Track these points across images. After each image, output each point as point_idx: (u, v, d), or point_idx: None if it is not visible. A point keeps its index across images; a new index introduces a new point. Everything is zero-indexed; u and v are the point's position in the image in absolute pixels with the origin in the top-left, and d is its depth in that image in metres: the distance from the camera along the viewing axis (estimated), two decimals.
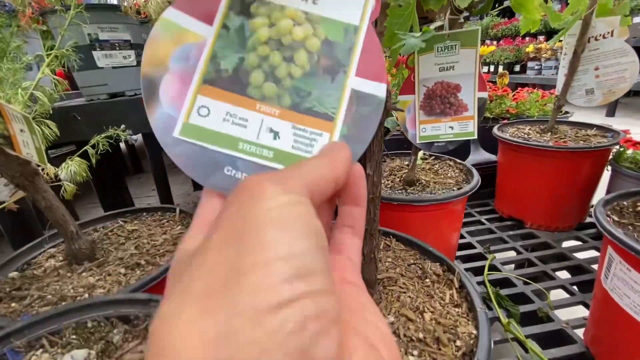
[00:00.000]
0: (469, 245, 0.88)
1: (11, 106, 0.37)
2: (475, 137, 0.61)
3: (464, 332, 0.31)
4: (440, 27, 0.57)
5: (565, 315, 0.64)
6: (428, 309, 0.35)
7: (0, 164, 0.42)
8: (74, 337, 0.35)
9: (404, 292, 0.37)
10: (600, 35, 0.82)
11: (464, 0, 0.34)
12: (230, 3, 0.20)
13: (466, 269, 0.79)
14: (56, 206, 0.46)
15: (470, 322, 0.33)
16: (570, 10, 0.91)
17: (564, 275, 0.79)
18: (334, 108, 0.20)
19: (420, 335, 0.31)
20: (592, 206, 0.95)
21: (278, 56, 0.20)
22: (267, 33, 0.20)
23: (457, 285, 0.37)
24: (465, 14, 0.55)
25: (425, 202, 0.60)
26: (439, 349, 0.30)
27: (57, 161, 0.77)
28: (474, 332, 0.31)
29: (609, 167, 0.82)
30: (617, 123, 2.57)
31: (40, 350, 0.35)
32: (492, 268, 0.79)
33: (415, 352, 0.30)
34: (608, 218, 0.49)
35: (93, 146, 0.77)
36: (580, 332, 0.60)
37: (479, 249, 0.86)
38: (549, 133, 0.93)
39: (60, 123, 0.85)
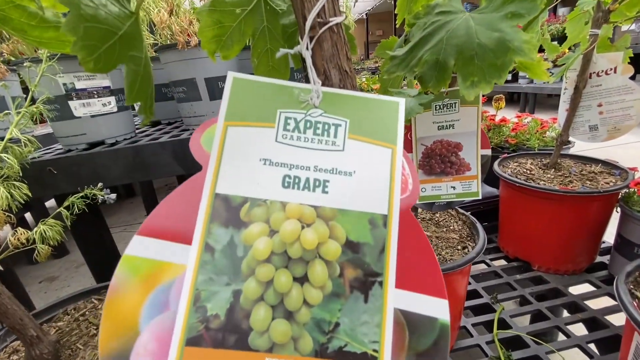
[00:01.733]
0: (476, 293, 0.83)
1: None
2: (480, 197, 0.56)
3: None
4: None
5: None
6: None
7: None
8: None
9: None
10: (603, 71, 0.79)
11: (467, 89, 0.30)
12: (211, 211, 0.15)
13: (474, 324, 0.74)
14: (12, 311, 0.41)
15: None
16: (568, 43, 0.88)
17: (579, 329, 0.74)
18: (375, 343, 0.14)
19: None
20: (603, 242, 0.90)
21: (286, 277, 0.14)
22: (267, 245, 0.14)
23: None
24: None
25: None
26: None
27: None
28: None
29: (619, 209, 0.78)
30: None
31: None
32: (502, 322, 0.73)
33: None
34: (634, 300, 0.44)
35: (68, 207, 0.72)
36: None
37: (486, 298, 0.80)
38: (552, 170, 0.89)
39: (35, 178, 0.79)
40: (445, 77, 0.34)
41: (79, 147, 0.86)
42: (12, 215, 0.69)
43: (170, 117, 1.14)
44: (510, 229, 0.94)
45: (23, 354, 0.47)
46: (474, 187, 0.56)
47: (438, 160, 0.56)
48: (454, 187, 0.57)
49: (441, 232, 0.68)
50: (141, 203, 2.61)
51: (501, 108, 1.41)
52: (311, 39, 0.22)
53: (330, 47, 0.23)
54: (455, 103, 0.52)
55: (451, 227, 0.69)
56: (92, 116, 0.83)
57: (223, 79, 0.90)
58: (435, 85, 0.34)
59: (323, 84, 0.22)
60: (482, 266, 0.94)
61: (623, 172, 0.81)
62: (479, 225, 0.64)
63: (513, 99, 5.36)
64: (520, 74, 4.50)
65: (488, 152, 0.55)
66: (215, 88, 0.89)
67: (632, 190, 0.75)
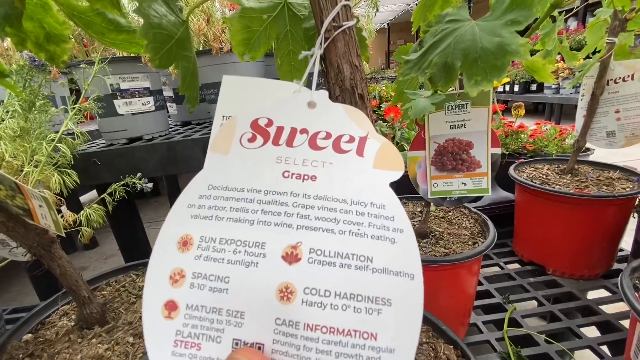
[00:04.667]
0: (488, 294, 0.84)
1: (29, 187, 0.38)
2: (490, 193, 0.59)
3: None
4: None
5: None
6: None
7: (20, 235, 0.43)
8: None
9: None
10: (620, 78, 0.80)
11: (471, 87, 0.34)
12: None
13: (485, 322, 0.75)
14: (70, 273, 0.47)
15: None
16: (586, 51, 0.90)
17: (591, 331, 0.74)
18: None
19: None
20: (621, 250, 0.90)
21: None
22: None
23: None
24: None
25: (438, 262, 0.58)
26: None
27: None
28: None
29: (635, 215, 0.78)
30: None
31: None
32: (513, 321, 0.75)
33: None
34: (637, 293, 0.46)
35: (110, 194, 0.80)
36: None
37: (497, 299, 0.82)
38: (569, 175, 0.90)
39: (82, 168, 0.88)
40: (452, 78, 0.38)
41: (120, 142, 0.94)
42: (62, 198, 0.78)
43: (200, 118, 1.22)
44: (525, 233, 0.95)
45: (73, 316, 0.54)
46: (484, 184, 0.59)
47: (450, 157, 0.59)
48: (464, 183, 0.60)
49: (453, 229, 0.70)
50: (166, 202, 2.74)
51: (521, 115, 1.41)
52: (326, 39, 0.27)
53: (343, 46, 0.28)
54: (467, 104, 0.56)
55: (463, 225, 0.72)
56: (133, 114, 0.92)
57: None
58: (443, 85, 0.39)
59: (336, 77, 0.27)
60: (496, 268, 0.95)
61: None
62: (490, 222, 0.67)
63: (538, 110, 5.23)
64: (546, 84, 4.41)
65: (498, 150, 0.58)
66: None
67: None
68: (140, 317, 0.50)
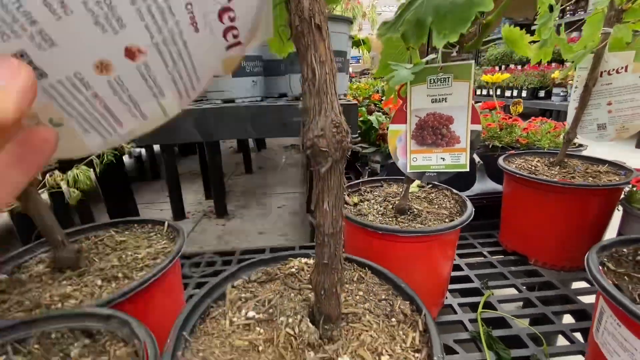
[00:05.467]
0: (467, 279, 0.84)
1: None
2: (467, 169, 0.59)
3: None
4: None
5: None
6: (387, 351, 0.33)
7: None
8: (36, 346, 0.36)
9: (367, 331, 0.36)
10: (614, 69, 0.79)
11: (439, 40, 0.34)
12: None
13: (461, 304, 0.76)
14: (45, 215, 0.48)
15: None
16: (582, 43, 0.89)
17: (566, 320, 0.74)
18: None
19: None
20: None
21: None
22: None
23: (421, 329, 0.36)
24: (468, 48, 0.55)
25: (413, 233, 0.58)
26: None
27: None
28: None
29: (620, 207, 0.78)
30: None
31: (3, 357, 0.36)
32: (489, 306, 0.75)
33: None
34: (601, 267, 0.46)
35: (98, 156, 0.81)
36: None
37: (476, 283, 0.82)
38: (558, 167, 0.89)
39: None
40: (423, 33, 0.38)
41: None
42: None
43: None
44: (511, 223, 0.94)
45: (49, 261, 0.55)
46: (462, 160, 0.59)
47: (430, 132, 0.59)
48: (443, 159, 0.60)
49: (432, 208, 0.71)
50: (164, 186, 2.77)
51: (519, 112, 1.41)
52: None
53: None
54: (448, 78, 0.56)
55: (443, 205, 0.72)
56: None
57: (245, 57, 0.97)
58: (415, 41, 0.39)
59: (296, 7, 0.27)
60: (479, 258, 0.95)
61: (629, 172, 0.81)
62: (468, 202, 0.67)
63: (545, 116, 5.18)
64: (554, 90, 4.36)
65: (478, 127, 0.58)
66: (237, 66, 0.97)
67: (635, 189, 0.75)
68: (113, 265, 0.52)
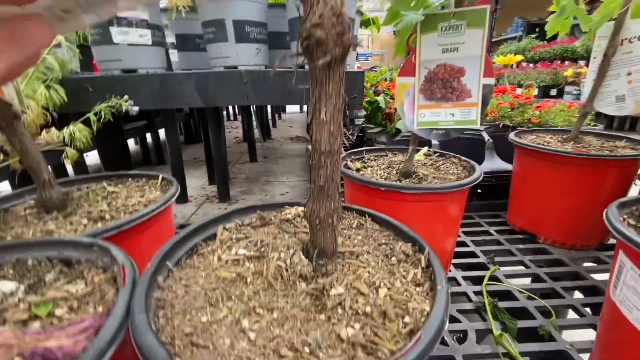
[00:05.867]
0: (472, 254, 0.81)
1: None
2: (478, 125, 0.56)
3: (416, 308, 0.26)
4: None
5: (571, 337, 0.56)
6: (385, 285, 0.30)
7: None
8: (11, 271, 0.34)
9: (364, 267, 0.33)
10: (635, 37, 0.75)
11: None
12: None
13: (464, 277, 0.72)
14: (32, 152, 0.46)
15: (427, 300, 0.28)
16: (601, 12, 0.85)
17: (575, 295, 0.70)
18: None
19: (368, 309, 0.27)
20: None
21: None
22: None
23: (423, 265, 0.33)
24: None
25: (417, 190, 0.55)
26: (384, 324, 0.26)
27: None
28: (427, 309, 0.26)
29: (638, 182, 0.73)
30: None
31: None
32: (495, 280, 0.71)
33: (357, 325, 0.26)
34: (622, 220, 0.42)
35: (96, 114, 0.79)
36: (585, 357, 0.52)
37: (482, 259, 0.78)
38: (572, 142, 0.85)
39: (73, 93, 0.87)
40: None
41: (114, 72, 0.93)
42: (48, 113, 0.77)
43: (201, 67, 1.21)
44: (520, 201, 0.91)
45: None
46: (472, 115, 0.56)
47: (440, 85, 0.56)
48: (453, 114, 0.57)
49: (439, 174, 0.67)
50: (169, 171, 2.76)
51: (531, 94, 1.36)
52: None
53: None
54: (461, 25, 0.53)
55: (450, 171, 0.69)
56: (129, 44, 0.91)
57: (250, 22, 0.94)
58: None
59: None
60: (486, 236, 0.91)
61: None
62: (477, 166, 0.64)
63: None
64: (566, 89, 4.27)
65: (491, 80, 0.55)
66: (242, 31, 0.94)
67: None
68: (101, 209, 0.49)
